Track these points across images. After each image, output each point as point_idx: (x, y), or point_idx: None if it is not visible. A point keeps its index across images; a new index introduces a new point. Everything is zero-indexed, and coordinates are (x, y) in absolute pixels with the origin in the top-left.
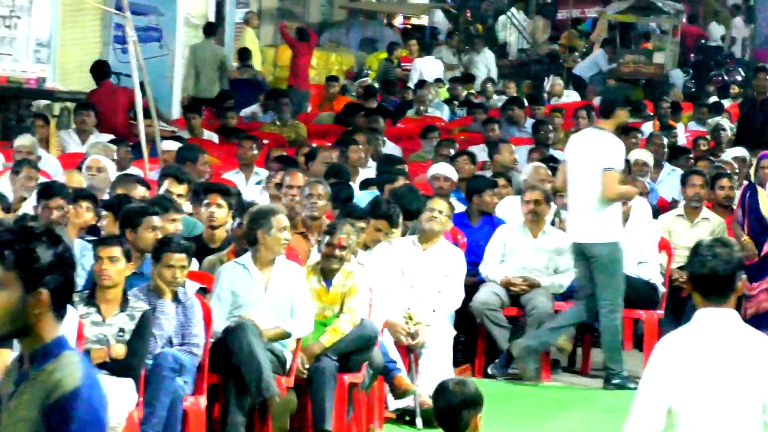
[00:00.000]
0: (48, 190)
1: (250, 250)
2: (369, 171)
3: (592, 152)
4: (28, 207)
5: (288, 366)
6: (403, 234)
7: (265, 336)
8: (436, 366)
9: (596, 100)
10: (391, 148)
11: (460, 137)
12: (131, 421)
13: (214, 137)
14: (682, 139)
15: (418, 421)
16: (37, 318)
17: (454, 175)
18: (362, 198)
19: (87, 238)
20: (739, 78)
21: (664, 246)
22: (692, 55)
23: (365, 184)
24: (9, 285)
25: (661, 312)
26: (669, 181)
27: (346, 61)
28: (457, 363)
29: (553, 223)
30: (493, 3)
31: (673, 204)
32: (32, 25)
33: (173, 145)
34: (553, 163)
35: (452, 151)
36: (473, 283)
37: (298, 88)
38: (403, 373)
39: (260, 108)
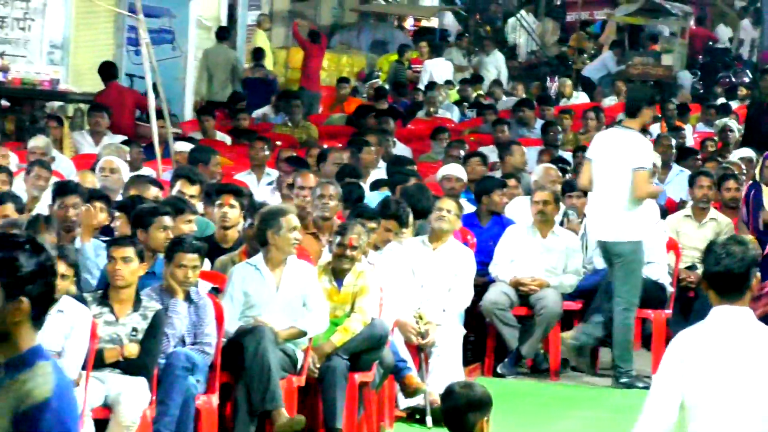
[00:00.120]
0: (64, 188)
1: (262, 251)
2: (379, 172)
3: (621, 151)
4: (43, 208)
5: (299, 365)
6: (414, 234)
7: (280, 337)
8: (446, 365)
9: (605, 102)
10: (401, 149)
11: (470, 138)
12: (144, 419)
13: (227, 139)
14: (690, 141)
15: (428, 419)
16: (15, 326)
17: (464, 176)
18: (373, 198)
19: (101, 239)
20: (746, 80)
21: (672, 246)
22: (700, 57)
23: (376, 185)
24: None
25: (669, 312)
26: (677, 182)
27: (357, 63)
28: (466, 362)
29: (561, 224)
30: (503, 5)
31: (681, 204)
32: (46, 27)
33: (186, 147)
34: (562, 164)
35: (462, 152)
36: (483, 283)
37: (309, 90)
38: (413, 372)
39: (272, 109)
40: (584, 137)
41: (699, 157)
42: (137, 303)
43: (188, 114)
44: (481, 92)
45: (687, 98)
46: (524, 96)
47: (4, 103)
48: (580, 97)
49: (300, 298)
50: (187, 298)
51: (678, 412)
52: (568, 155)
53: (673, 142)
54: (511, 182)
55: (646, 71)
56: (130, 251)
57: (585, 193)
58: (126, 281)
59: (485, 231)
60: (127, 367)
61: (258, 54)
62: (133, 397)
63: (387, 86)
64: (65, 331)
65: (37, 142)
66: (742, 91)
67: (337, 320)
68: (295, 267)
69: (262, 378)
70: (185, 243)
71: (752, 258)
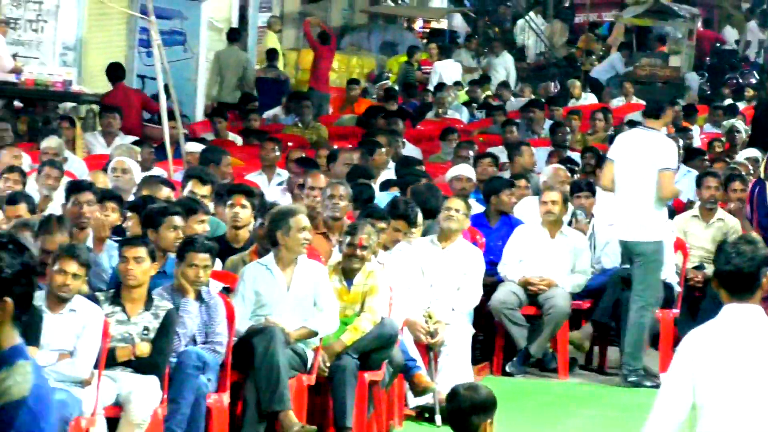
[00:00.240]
0: (78, 186)
1: (272, 251)
2: (389, 172)
3: (646, 152)
4: (55, 208)
5: (310, 364)
6: (423, 234)
7: (291, 337)
8: (455, 364)
9: (613, 102)
10: (410, 149)
11: (479, 139)
12: (156, 417)
13: (238, 140)
14: (697, 141)
15: (438, 418)
16: None
17: (474, 176)
18: (383, 199)
19: (113, 239)
20: (753, 81)
21: (680, 246)
22: (707, 58)
23: (385, 185)
24: None
25: (676, 311)
26: (684, 183)
27: (367, 65)
28: (475, 361)
29: (570, 224)
30: (512, 7)
31: (689, 205)
32: (59, 29)
33: (197, 147)
34: (570, 165)
35: (471, 153)
36: (492, 282)
37: (318, 91)
38: (422, 371)
39: (282, 110)
40: (592, 138)
41: (706, 157)
42: (149, 302)
43: (199, 115)
44: (489, 93)
45: (694, 99)
46: (532, 97)
47: (17, 104)
48: (589, 98)
49: (311, 298)
50: (198, 297)
51: (689, 411)
52: (576, 156)
53: (681, 142)
54: (521, 182)
55: (653, 72)
56: (142, 251)
57: (593, 194)
58: (138, 281)
59: (494, 231)
60: (139, 365)
61: (271, 55)
62: (145, 395)
63: (397, 87)
64: (77, 330)
65: (50, 142)
66: (749, 93)
67: (347, 319)
68: (306, 267)
69: (270, 378)
70: (197, 243)
71: (762, 257)
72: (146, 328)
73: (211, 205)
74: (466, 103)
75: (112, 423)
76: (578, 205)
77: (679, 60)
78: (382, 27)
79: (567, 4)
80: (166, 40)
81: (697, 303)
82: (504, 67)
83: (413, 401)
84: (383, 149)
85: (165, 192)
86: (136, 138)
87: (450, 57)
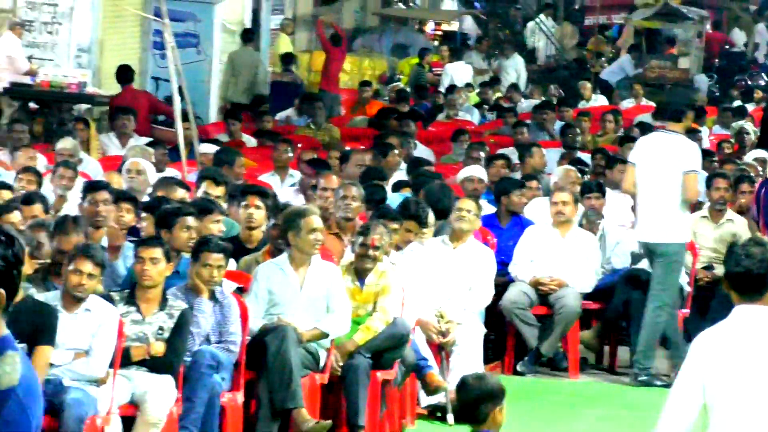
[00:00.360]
0: (94, 185)
1: (286, 251)
2: (400, 173)
3: (669, 155)
4: (70, 208)
5: (322, 363)
6: (434, 234)
7: (303, 337)
8: (467, 363)
9: (623, 104)
10: (422, 150)
11: (490, 140)
12: (170, 416)
13: (252, 141)
14: (707, 143)
15: (450, 417)
16: None
17: (485, 177)
18: (394, 200)
19: (129, 239)
20: (762, 83)
21: (690, 247)
22: (716, 60)
23: (397, 186)
24: None
25: (686, 311)
26: None
27: (379, 67)
28: (487, 360)
29: (580, 224)
30: (522, 9)
31: (698, 206)
32: (73, 31)
33: (211, 149)
34: (580, 166)
35: (482, 154)
36: (503, 282)
37: (329, 92)
38: (434, 370)
39: (295, 112)
40: (602, 139)
41: (715, 159)
42: (163, 302)
43: (212, 116)
44: (500, 94)
45: (703, 101)
46: (543, 99)
47: (33, 105)
48: (599, 100)
49: (324, 299)
50: (212, 297)
51: (700, 412)
52: (586, 157)
53: None
54: (532, 183)
55: (662, 74)
56: (158, 252)
57: (603, 194)
58: (154, 281)
59: (505, 231)
60: (154, 365)
61: (288, 59)
62: (160, 394)
63: (408, 89)
64: (93, 329)
65: (65, 143)
66: (758, 94)
67: (360, 319)
68: (320, 267)
69: (283, 377)
70: (211, 243)
71: None
72: (161, 328)
73: (224, 206)
74: (477, 105)
75: (128, 422)
76: (589, 206)
77: (688, 62)
78: (394, 29)
79: (577, 7)
80: (180, 42)
81: (706, 303)
82: (515, 69)
83: (425, 400)
84: (396, 150)
85: (180, 193)
86: (150, 139)
87: (461, 59)
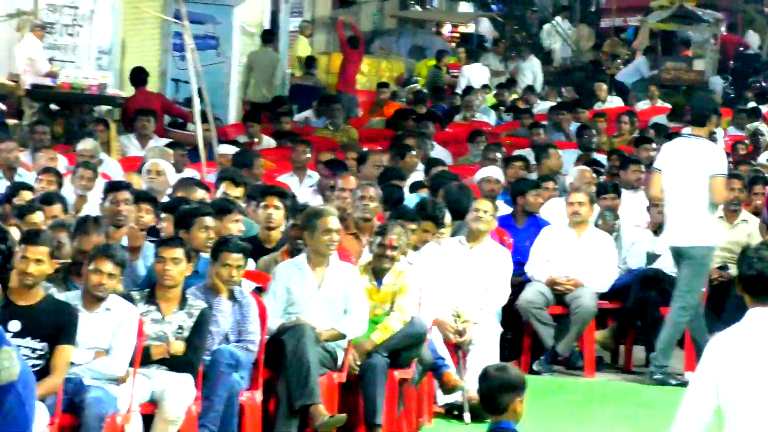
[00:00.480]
0: (116, 185)
1: (304, 251)
2: (418, 174)
3: (695, 160)
4: (92, 209)
5: (340, 362)
6: (451, 234)
7: (321, 337)
8: (484, 362)
9: (638, 106)
10: (439, 151)
11: (507, 141)
12: (189, 414)
13: (272, 142)
14: (721, 144)
15: (466, 415)
16: None
17: (502, 178)
18: (412, 200)
19: (149, 239)
20: None
21: None
22: (731, 62)
23: (415, 187)
24: None
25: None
26: None
27: (397, 68)
28: (503, 359)
29: (596, 225)
30: (539, 12)
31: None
32: (94, 33)
33: (230, 149)
34: (596, 166)
35: (499, 155)
36: (519, 282)
37: (346, 94)
38: (451, 369)
39: (313, 113)
40: (618, 140)
41: (730, 160)
42: (183, 301)
43: (232, 118)
44: (516, 96)
45: (718, 103)
46: (559, 100)
47: (54, 107)
48: (614, 101)
49: (341, 299)
50: (231, 296)
51: (713, 413)
52: (602, 158)
53: None
54: (549, 184)
55: (678, 76)
56: (179, 252)
57: (619, 195)
58: (175, 281)
59: (521, 232)
60: (173, 363)
61: (310, 62)
62: (179, 393)
63: (425, 91)
64: (113, 329)
65: (86, 145)
66: None
67: (377, 318)
68: (338, 268)
69: (300, 375)
70: (230, 243)
71: None
72: (180, 327)
73: (243, 207)
74: (493, 107)
75: (147, 420)
76: (605, 207)
77: (703, 64)
78: (411, 31)
79: (593, 9)
80: (199, 44)
81: (721, 303)
82: (531, 71)
83: (442, 399)
84: (413, 151)
85: (200, 194)
86: (170, 141)
87: (478, 61)
